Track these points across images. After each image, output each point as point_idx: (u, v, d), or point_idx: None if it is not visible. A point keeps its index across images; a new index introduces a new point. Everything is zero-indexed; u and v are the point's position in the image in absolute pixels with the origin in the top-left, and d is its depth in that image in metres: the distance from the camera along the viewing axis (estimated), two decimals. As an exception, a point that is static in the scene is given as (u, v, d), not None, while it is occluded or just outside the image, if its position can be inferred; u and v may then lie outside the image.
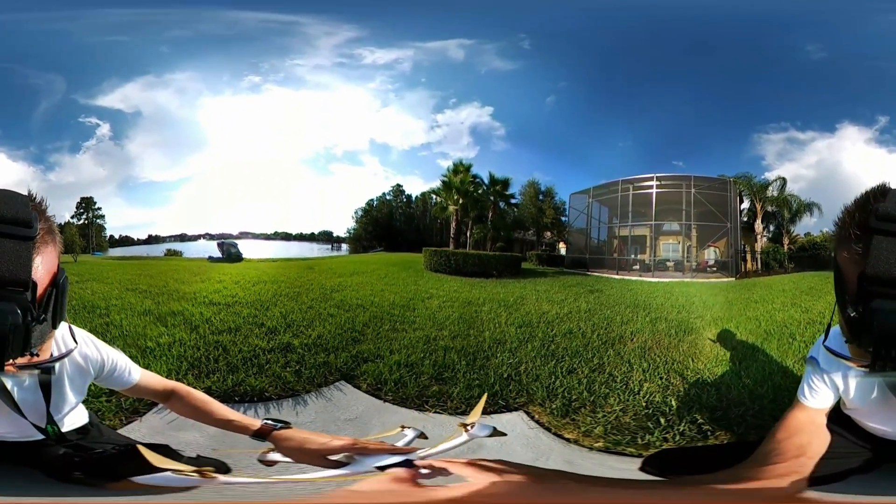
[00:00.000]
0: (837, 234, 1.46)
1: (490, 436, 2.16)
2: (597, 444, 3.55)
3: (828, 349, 1.70)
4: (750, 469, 1.74)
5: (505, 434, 2.24)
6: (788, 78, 7.61)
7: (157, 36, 7.35)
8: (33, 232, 1.30)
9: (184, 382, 4.14)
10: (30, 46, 6.98)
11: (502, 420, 4.00)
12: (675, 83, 7.96)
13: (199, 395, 2.13)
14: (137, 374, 2.06)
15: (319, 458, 1.82)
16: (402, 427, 2.21)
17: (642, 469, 2.86)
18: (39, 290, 1.35)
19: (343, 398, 4.33)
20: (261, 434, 1.92)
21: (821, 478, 1.76)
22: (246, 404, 4.13)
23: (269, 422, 1.95)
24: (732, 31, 7.09)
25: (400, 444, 2.06)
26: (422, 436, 2.13)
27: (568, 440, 3.66)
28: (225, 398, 4.12)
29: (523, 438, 3.71)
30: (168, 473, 1.71)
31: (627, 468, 3.25)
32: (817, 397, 1.96)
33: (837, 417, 2.02)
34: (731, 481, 1.65)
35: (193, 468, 1.73)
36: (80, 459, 1.91)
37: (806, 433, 1.89)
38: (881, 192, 1.38)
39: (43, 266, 1.37)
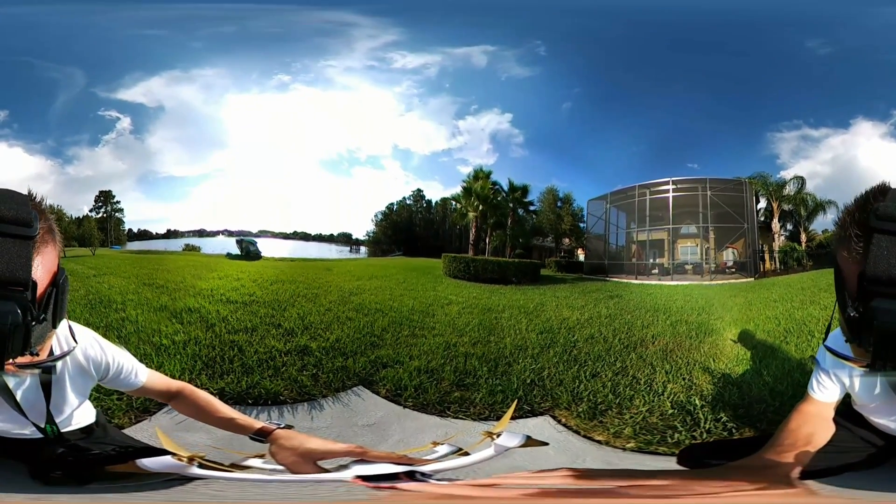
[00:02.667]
0: (837, 233, 1.46)
1: (523, 445, 2.03)
2: (629, 445, 3.59)
3: (829, 349, 1.69)
4: (764, 456, 1.86)
5: (545, 443, 2.10)
6: (800, 75, 7.51)
7: (191, 32, 7.35)
8: (33, 231, 1.30)
9: (197, 382, 4.08)
10: (54, 39, 7.00)
11: (528, 425, 3.96)
12: (688, 83, 7.87)
13: (204, 395, 2.15)
14: (144, 376, 2.06)
15: (312, 463, 1.82)
16: (434, 443, 2.10)
17: (680, 463, 2.83)
18: (39, 290, 1.34)
19: (361, 403, 4.25)
20: (262, 433, 1.93)
21: (829, 469, 1.86)
22: (260, 407, 4.07)
23: (272, 423, 1.96)
24: (743, 30, 6.99)
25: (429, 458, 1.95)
26: (461, 452, 2.01)
27: (599, 442, 3.67)
28: (239, 400, 4.08)
29: (554, 442, 3.70)
30: (168, 458, 1.80)
31: (664, 466, 3.29)
32: (825, 392, 2.04)
33: (848, 413, 2.09)
34: (745, 468, 1.80)
35: (188, 454, 1.82)
36: (73, 461, 1.89)
37: (812, 424, 1.99)
38: (881, 191, 1.38)
39: (43, 266, 1.36)
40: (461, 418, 4.01)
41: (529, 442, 2.09)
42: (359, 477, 1.72)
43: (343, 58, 7.69)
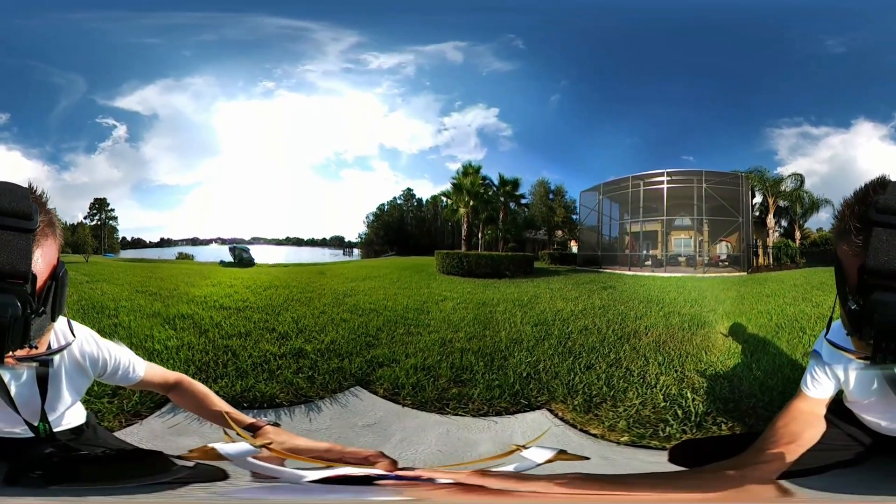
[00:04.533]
0: (837, 226, 1.45)
1: (551, 461, 1.90)
2: (622, 439, 3.59)
3: (830, 342, 1.68)
4: (748, 456, 1.85)
5: (586, 458, 2.01)
6: (803, 72, 7.56)
7: (181, 40, 7.37)
8: (33, 224, 1.30)
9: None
10: (52, 46, 7.00)
11: (527, 419, 3.96)
12: (686, 77, 7.89)
13: (201, 387, 2.19)
14: (142, 370, 2.07)
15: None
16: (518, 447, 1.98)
17: (671, 461, 2.82)
18: (39, 283, 1.34)
19: (360, 404, 4.22)
20: (251, 428, 1.96)
21: (817, 468, 1.87)
22: (256, 409, 4.04)
23: (261, 419, 2.01)
24: (746, 24, 7.00)
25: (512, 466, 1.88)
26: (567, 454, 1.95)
27: (595, 436, 3.67)
28: (234, 403, 3.95)
29: (552, 437, 3.68)
30: (243, 444, 1.82)
31: (657, 461, 3.31)
32: (819, 388, 2.01)
33: (839, 410, 2.06)
34: (729, 467, 1.78)
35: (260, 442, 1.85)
36: (63, 461, 1.86)
37: (802, 422, 1.97)
38: (881, 184, 1.38)
39: (43, 259, 1.37)
40: (461, 415, 3.99)
41: (563, 456, 1.96)
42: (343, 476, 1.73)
43: (319, 62, 7.72)
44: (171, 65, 7.59)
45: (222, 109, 8.15)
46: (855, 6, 6.65)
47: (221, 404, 2.11)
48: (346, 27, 7.57)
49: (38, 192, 1.42)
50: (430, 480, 1.73)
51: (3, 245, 1.23)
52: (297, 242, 9.97)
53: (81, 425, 2.06)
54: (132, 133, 7.94)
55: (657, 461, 3.30)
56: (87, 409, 2.13)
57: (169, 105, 7.92)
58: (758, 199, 8.93)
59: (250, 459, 1.76)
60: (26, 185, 1.38)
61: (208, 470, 1.84)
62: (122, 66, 7.47)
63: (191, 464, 1.85)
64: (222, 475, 1.85)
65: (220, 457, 1.77)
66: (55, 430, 1.88)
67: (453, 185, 9.40)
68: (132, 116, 7.84)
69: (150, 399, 3.70)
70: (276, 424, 1.99)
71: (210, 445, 1.81)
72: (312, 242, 10.18)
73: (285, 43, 7.70)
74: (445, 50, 7.83)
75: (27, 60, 6.98)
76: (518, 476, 1.73)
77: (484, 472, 1.71)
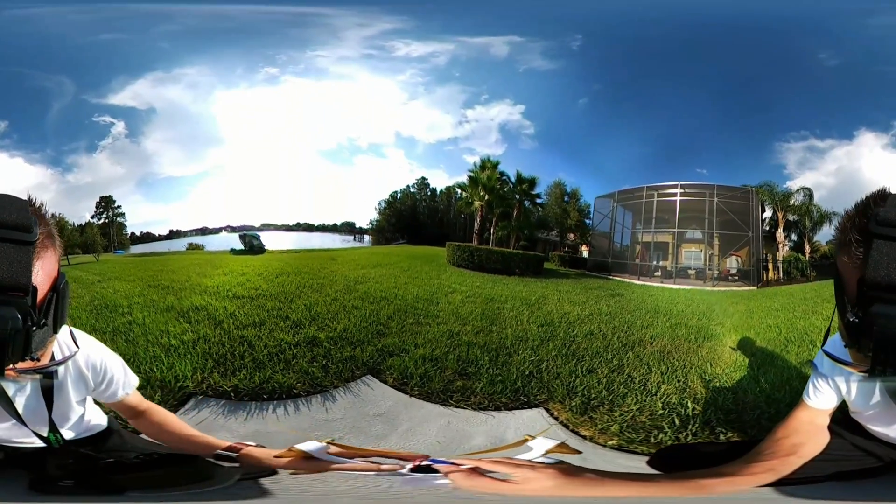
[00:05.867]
0: (838, 239, 1.48)
1: (549, 452, 2.03)
2: (611, 442, 3.64)
3: (827, 354, 1.69)
4: (740, 465, 1.84)
5: (578, 452, 2.11)
6: (809, 85, 7.47)
7: (158, 30, 7.31)
8: (33, 237, 1.31)
9: (210, 381, 4.14)
10: (38, 46, 6.98)
11: (523, 416, 4.05)
12: (705, 90, 7.83)
13: (171, 414, 2.17)
14: (131, 389, 2.05)
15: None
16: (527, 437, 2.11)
17: (649, 464, 2.87)
18: (40, 295, 1.35)
19: (371, 393, 4.31)
20: (231, 450, 1.97)
21: (821, 477, 1.91)
22: (275, 402, 4.10)
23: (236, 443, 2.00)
24: (752, 37, 6.97)
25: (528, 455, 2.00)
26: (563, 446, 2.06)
27: (584, 437, 3.73)
28: (254, 396, 4.11)
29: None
30: (316, 442, 1.85)
31: (636, 465, 3.33)
32: (821, 398, 2.01)
33: (843, 420, 2.07)
34: (720, 475, 1.78)
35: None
36: (86, 469, 1.89)
37: (803, 433, 1.98)
38: (881, 196, 1.40)
39: (43, 271, 1.37)
40: (463, 407, 4.09)
41: (560, 448, 2.09)
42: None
43: (332, 47, 7.65)
44: (155, 57, 7.54)
45: (222, 98, 8.06)
46: (851, 16, 6.63)
47: (193, 430, 2.10)
48: (384, 13, 7.49)
49: (38, 203, 1.44)
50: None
51: (3, 258, 1.24)
52: (308, 228, 9.96)
53: (103, 432, 2.07)
54: (131, 128, 7.85)
55: (635, 465, 3.34)
56: (107, 413, 2.14)
57: (163, 97, 7.85)
58: (767, 213, 8.90)
59: (339, 457, 1.83)
60: (25, 198, 1.39)
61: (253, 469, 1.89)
62: (107, 61, 7.41)
63: (235, 464, 1.89)
64: (270, 471, 1.92)
65: (308, 455, 1.82)
66: (75, 438, 1.91)
67: (470, 177, 9.32)
68: (128, 112, 7.79)
69: (173, 397, 3.78)
70: (253, 445, 2.00)
71: (297, 448, 1.85)
72: (323, 228, 10.18)
73: (288, 29, 7.59)
74: (494, 43, 7.76)
75: (15, 67, 7.00)
76: (527, 465, 1.78)
77: (502, 461, 1.79)
